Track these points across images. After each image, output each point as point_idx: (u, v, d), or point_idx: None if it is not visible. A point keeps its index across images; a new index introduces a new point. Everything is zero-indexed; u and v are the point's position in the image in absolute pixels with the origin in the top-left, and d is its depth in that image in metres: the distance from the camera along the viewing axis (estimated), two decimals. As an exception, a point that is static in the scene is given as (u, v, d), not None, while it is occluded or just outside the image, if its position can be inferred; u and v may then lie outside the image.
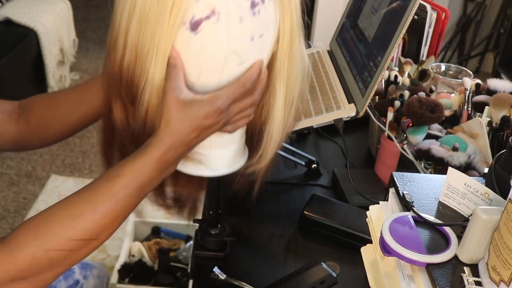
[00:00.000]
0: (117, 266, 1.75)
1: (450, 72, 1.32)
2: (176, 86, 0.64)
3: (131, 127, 0.70)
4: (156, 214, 1.97)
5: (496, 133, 0.99)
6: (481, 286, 0.57)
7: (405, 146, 1.03)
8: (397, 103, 1.07)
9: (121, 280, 1.73)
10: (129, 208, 0.66)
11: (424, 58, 1.41)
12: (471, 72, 1.30)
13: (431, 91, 1.20)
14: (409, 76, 1.25)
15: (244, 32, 0.64)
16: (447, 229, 0.64)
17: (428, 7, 1.36)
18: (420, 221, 0.66)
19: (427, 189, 0.72)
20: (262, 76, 0.68)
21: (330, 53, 1.33)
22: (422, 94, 1.09)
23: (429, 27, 1.38)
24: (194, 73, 0.65)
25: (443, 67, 1.33)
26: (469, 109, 1.08)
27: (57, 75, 3.00)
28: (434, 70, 1.30)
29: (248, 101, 0.68)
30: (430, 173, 0.98)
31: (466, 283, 0.57)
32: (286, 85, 0.70)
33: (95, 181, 0.66)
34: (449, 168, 0.69)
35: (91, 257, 1.79)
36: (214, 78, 0.66)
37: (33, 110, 0.87)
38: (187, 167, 0.73)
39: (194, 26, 0.62)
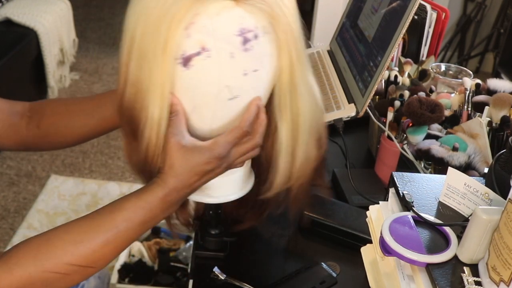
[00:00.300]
0: (117, 266, 1.75)
1: (450, 72, 1.32)
2: (177, 132, 0.65)
3: (134, 160, 0.72)
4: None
5: (496, 133, 0.99)
6: (481, 286, 0.57)
7: (405, 146, 1.03)
8: (397, 103, 1.07)
9: (121, 280, 1.73)
10: (129, 241, 0.68)
11: (424, 58, 1.41)
12: (471, 72, 1.30)
13: (431, 91, 1.20)
14: (409, 76, 1.25)
15: (236, 68, 0.64)
16: (447, 229, 0.64)
17: (428, 7, 1.36)
18: (420, 221, 0.66)
19: (427, 189, 0.72)
20: (261, 117, 0.68)
21: (330, 53, 1.33)
22: (422, 94, 1.09)
23: (429, 27, 1.38)
24: (188, 107, 0.66)
25: (443, 67, 1.33)
26: (469, 109, 1.08)
27: (57, 75, 3.00)
28: (434, 70, 1.30)
29: (249, 145, 0.69)
30: (430, 173, 0.98)
31: (466, 283, 0.57)
32: (291, 120, 0.69)
33: (99, 209, 0.68)
34: (449, 168, 0.69)
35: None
36: (208, 112, 0.67)
37: (45, 115, 0.86)
38: (193, 196, 0.75)
39: (186, 61, 0.62)
